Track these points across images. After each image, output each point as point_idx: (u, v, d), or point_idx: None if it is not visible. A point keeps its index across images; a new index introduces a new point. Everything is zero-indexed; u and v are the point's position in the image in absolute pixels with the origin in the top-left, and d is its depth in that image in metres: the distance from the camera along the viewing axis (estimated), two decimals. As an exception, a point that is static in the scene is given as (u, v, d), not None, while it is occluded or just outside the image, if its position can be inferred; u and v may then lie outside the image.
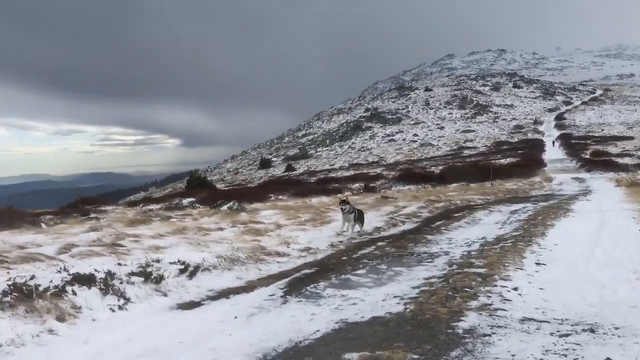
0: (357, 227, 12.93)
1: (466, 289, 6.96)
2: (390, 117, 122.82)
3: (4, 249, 9.55)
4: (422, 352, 4.86)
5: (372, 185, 35.95)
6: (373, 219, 15.02)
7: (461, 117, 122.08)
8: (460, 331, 5.40)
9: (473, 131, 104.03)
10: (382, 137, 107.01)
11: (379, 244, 11.24)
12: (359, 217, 12.94)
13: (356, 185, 37.12)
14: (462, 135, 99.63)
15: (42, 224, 18.39)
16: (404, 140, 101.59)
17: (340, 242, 11.75)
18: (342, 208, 12.49)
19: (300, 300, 6.89)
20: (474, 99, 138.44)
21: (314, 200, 24.23)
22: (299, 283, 7.82)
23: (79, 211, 23.87)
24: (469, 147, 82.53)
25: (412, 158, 74.08)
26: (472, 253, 9.64)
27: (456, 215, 16.45)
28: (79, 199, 27.84)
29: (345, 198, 12.61)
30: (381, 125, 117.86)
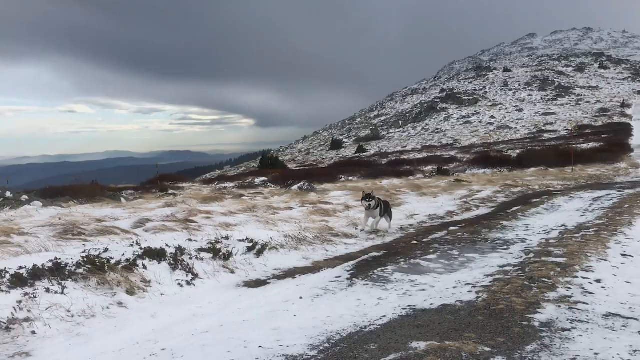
0: (384, 223, 10.97)
1: (544, 279, 6.54)
2: (466, 98, 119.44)
3: (84, 222, 9.94)
4: (494, 344, 4.57)
5: (445, 168, 35.15)
6: (445, 203, 14.61)
7: (541, 99, 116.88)
8: (536, 324, 5.04)
9: (554, 114, 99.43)
10: (457, 118, 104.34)
11: (451, 228, 10.87)
12: (386, 211, 10.97)
13: (429, 167, 36.42)
14: (541, 118, 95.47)
15: (122, 199, 19.17)
16: (480, 122, 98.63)
17: (411, 225, 11.48)
18: (368, 205, 10.39)
19: (367, 284, 6.72)
20: (556, 80, 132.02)
21: (385, 182, 23.96)
22: (366, 266, 7.65)
23: (157, 187, 24.78)
24: (548, 131, 78.98)
25: (488, 141, 71.82)
26: (551, 241, 9.11)
27: (534, 200, 15.70)
28: (158, 175, 28.89)
29: (370, 192, 10.61)
30: (457, 106, 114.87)
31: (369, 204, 10.30)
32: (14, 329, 4.82)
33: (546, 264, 7.31)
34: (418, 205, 14.66)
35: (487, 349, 4.47)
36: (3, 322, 4.86)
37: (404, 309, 5.67)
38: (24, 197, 15.58)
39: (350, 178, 30.11)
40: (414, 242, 9.53)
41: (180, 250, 7.26)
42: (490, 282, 6.58)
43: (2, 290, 5.39)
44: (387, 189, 18.89)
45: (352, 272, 7.33)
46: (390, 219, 11.07)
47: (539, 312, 5.36)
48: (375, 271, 7.30)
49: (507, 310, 5.43)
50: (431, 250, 8.60)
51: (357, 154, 69.35)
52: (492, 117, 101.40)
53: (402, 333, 4.91)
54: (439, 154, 51.77)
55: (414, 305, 5.76)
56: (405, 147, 77.58)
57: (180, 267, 6.81)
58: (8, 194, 15.62)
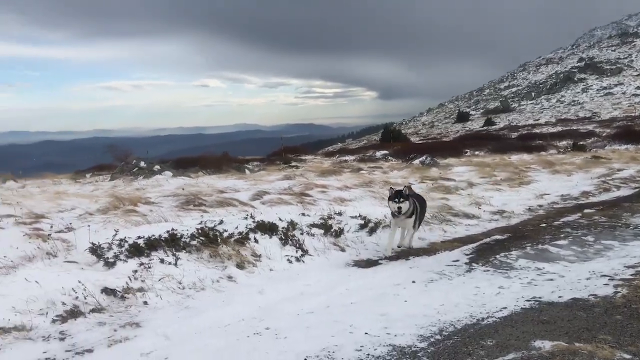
0: (414, 235, 7.54)
1: (700, 276, 5.62)
2: (608, 67, 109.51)
3: (206, 193, 10.25)
4: (636, 351, 3.91)
5: (581, 143, 32.42)
6: (580, 182, 13.37)
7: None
8: (690, 330, 4.29)
9: None
10: (597, 90, 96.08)
11: (586, 211, 9.84)
12: (420, 215, 7.47)
13: (563, 142, 33.87)
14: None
15: (246, 170, 19.79)
16: (623, 94, 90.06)
17: (540, 206, 10.57)
18: (398, 208, 6.85)
19: (487, 270, 6.19)
20: None
21: (514, 158, 22.57)
22: (488, 250, 7.08)
23: (281, 159, 25.39)
24: None
25: (633, 114, 65.47)
26: None
27: (688, 182, 13.89)
28: (282, 147, 29.59)
29: (405, 188, 7.27)
30: (597, 76, 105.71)
31: (399, 207, 6.82)
32: (128, 298, 4.97)
33: (703, 257, 6.30)
34: (549, 184, 13.55)
35: (627, 356, 3.84)
36: (119, 291, 5.02)
37: (527, 300, 5.11)
38: (156, 167, 16.53)
39: (477, 153, 28.75)
40: (543, 225, 8.73)
41: (292, 224, 7.17)
42: (631, 274, 5.76)
43: (121, 259, 5.59)
44: (515, 165, 17.74)
45: (471, 256, 6.82)
46: (420, 224, 7.59)
47: (694, 316, 4.57)
48: (498, 256, 6.73)
49: (653, 310, 4.69)
50: (562, 235, 7.79)
51: (485, 127, 66.39)
52: (638, 87, 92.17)
53: (524, 329, 4.40)
54: (574, 127, 48.01)
55: (540, 297, 5.18)
56: (538, 120, 72.99)
57: (290, 242, 6.72)
58: (142, 163, 16.65)
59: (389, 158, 25.51)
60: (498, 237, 7.88)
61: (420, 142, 45.25)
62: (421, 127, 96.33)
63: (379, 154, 27.64)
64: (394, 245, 7.18)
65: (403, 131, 55.22)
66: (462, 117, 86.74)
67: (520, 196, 11.40)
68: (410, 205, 6.90)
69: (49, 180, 17.64)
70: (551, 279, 5.77)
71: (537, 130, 47.17)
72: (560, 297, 5.17)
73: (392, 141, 37.58)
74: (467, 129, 71.24)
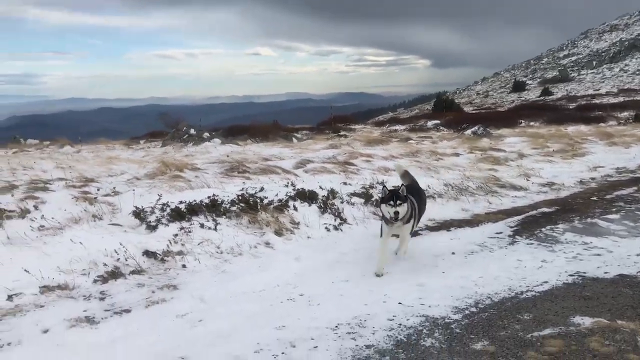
0: (408, 241, 5.51)
1: None
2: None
3: (251, 160, 10.34)
4: (683, 331, 3.74)
5: (644, 114, 30.89)
6: (639, 155, 12.75)
7: None
8: None
9: None
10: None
11: (643, 184, 9.40)
12: (419, 211, 5.67)
13: (624, 114, 32.35)
14: None
15: (294, 139, 19.83)
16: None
17: (592, 178, 10.15)
18: (394, 213, 5.07)
19: (531, 243, 6.02)
20: None
21: (570, 129, 21.74)
22: (533, 222, 6.87)
23: (330, 128, 25.29)
24: None
25: (703, 84, 61.80)
26: None
27: None
28: (332, 117, 29.46)
29: (402, 187, 5.37)
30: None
31: (396, 213, 5.05)
32: (167, 261, 5.09)
33: None
34: (605, 156, 12.99)
35: (672, 336, 3.67)
36: (159, 254, 5.14)
37: (570, 275, 4.95)
38: (206, 135, 16.77)
39: (532, 123, 27.81)
40: (594, 198, 8.39)
41: (332, 193, 7.14)
42: (687, 252, 5.49)
43: (162, 223, 5.72)
44: (570, 137, 17.08)
45: (515, 228, 6.64)
46: (417, 222, 5.79)
47: None
48: (543, 229, 6.53)
49: None
50: (614, 209, 7.47)
51: (542, 97, 64.14)
52: None
53: (564, 304, 4.26)
54: (638, 98, 45.78)
55: (584, 272, 5.00)
56: (598, 90, 69.89)
57: (329, 210, 6.70)
58: (192, 131, 16.92)
59: (440, 128, 25.02)
60: (545, 209, 7.62)
61: (473, 112, 44.19)
62: (475, 96, 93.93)
63: (430, 123, 27.15)
64: (380, 267, 5.12)
65: (456, 100, 53.93)
66: (518, 87, 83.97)
67: (572, 168, 10.98)
68: (408, 207, 5.16)
69: (103, 146, 18.21)
70: (598, 254, 5.55)
71: (597, 101, 45.26)
72: (606, 273, 4.98)
73: (445, 111, 36.81)
74: (523, 98, 69.04)
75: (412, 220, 5.31)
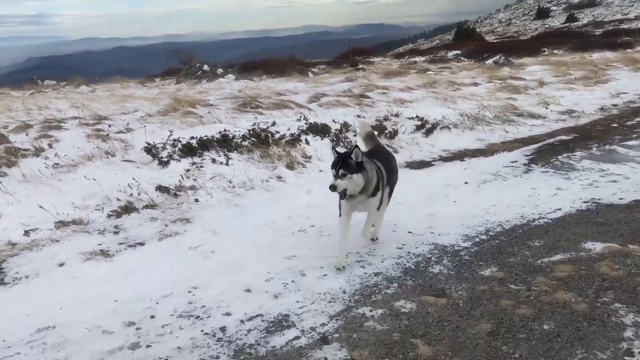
0: (380, 218, 4.25)
1: None
2: None
3: (265, 95, 10.23)
4: (696, 255, 3.70)
5: (674, 38, 29.65)
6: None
7: None
8: None
9: None
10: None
11: (667, 110, 9.15)
12: (388, 183, 4.11)
13: (653, 38, 31.12)
14: None
15: (310, 73, 19.54)
16: None
17: (614, 105, 9.90)
18: (344, 186, 3.64)
19: (547, 171, 5.94)
20: None
21: (595, 56, 21.05)
22: (550, 150, 6.77)
23: (348, 62, 24.80)
24: None
25: None
26: None
27: None
28: (350, 49, 28.84)
29: (356, 148, 3.67)
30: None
31: (333, 186, 3.65)
32: (180, 195, 5.13)
33: None
34: (629, 82, 12.60)
35: (685, 260, 3.63)
36: (171, 189, 5.18)
37: (585, 202, 4.89)
38: (219, 70, 16.60)
39: (555, 51, 26.92)
40: (614, 125, 8.21)
41: (345, 126, 7.08)
42: None
43: (174, 159, 5.74)
44: (595, 64, 16.57)
45: (531, 157, 6.55)
46: (388, 201, 4.24)
47: None
48: (560, 157, 6.43)
49: None
50: (634, 136, 7.32)
51: (567, 24, 61.88)
52: None
53: (576, 230, 4.23)
54: (669, 22, 43.90)
55: (599, 199, 4.94)
56: (627, 14, 67.04)
57: (342, 143, 6.65)
58: (205, 67, 16.75)
59: (461, 58, 24.38)
60: (563, 137, 7.49)
61: (495, 40, 42.84)
62: (497, 25, 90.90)
63: (450, 54, 26.47)
64: (341, 261, 3.76)
65: (478, 30, 52.32)
66: (542, 14, 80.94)
67: (594, 95, 10.69)
68: (369, 176, 3.72)
69: (118, 85, 18.15)
70: (614, 181, 5.47)
71: (624, 26, 43.48)
72: (621, 199, 4.92)
73: (466, 40, 35.75)
74: (547, 26, 66.72)
75: (378, 193, 3.89)
